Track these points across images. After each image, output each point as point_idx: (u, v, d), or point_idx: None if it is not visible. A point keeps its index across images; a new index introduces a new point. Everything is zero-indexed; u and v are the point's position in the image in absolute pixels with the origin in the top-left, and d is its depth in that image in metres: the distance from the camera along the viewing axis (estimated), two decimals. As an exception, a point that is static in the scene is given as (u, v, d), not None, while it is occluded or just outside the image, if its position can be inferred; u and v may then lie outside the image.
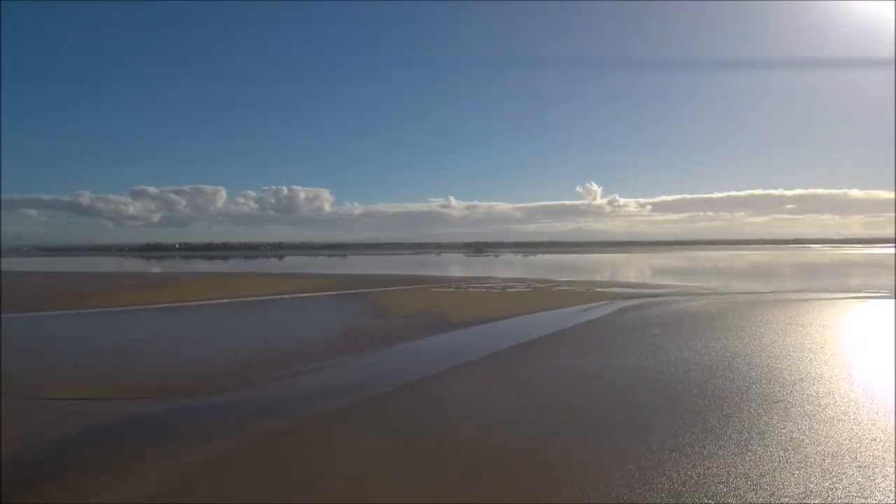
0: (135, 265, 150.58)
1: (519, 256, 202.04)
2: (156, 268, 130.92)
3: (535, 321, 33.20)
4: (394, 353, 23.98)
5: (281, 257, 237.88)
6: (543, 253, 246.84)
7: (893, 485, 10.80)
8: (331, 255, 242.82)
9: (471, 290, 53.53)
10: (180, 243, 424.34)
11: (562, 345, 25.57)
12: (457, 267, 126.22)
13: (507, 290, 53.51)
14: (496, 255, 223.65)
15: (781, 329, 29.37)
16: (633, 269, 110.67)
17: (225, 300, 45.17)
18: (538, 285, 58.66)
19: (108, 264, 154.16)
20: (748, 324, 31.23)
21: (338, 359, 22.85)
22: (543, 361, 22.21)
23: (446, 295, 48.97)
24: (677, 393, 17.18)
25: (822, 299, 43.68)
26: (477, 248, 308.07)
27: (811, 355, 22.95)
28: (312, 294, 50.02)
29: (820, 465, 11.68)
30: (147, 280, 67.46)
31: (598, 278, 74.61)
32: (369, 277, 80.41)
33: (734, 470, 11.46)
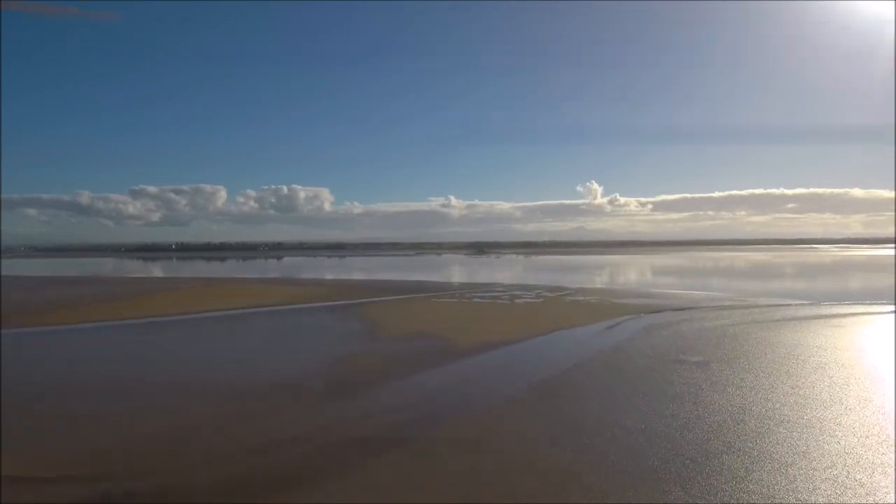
0: (122, 267, 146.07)
1: (522, 258, 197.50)
2: (142, 271, 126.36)
3: (552, 346, 28.58)
4: (384, 400, 19.35)
5: (279, 258, 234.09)
6: (546, 254, 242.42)
7: None
8: (329, 256, 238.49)
9: (475, 300, 48.93)
10: (177, 243, 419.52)
11: (592, 384, 20.90)
12: (459, 270, 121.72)
13: (515, 300, 48.92)
14: (498, 256, 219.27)
15: (848, 360, 24.78)
16: (642, 272, 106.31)
17: (200, 315, 40.50)
18: (548, 294, 54.07)
19: (94, 267, 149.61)
20: (804, 350, 26.64)
21: (316, 407, 18.27)
22: (573, 416, 17.58)
23: (448, 308, 44.38)
24: (771, 479, 12.53)
25: (871, 314, 39.09)
26: (479, 249, 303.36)
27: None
28: (301, 306, 45.39)
29: None
30: (121, 288, 62.81)
31: (609, 284, 70.15)
32: (365, 283, 75.86)
33: None
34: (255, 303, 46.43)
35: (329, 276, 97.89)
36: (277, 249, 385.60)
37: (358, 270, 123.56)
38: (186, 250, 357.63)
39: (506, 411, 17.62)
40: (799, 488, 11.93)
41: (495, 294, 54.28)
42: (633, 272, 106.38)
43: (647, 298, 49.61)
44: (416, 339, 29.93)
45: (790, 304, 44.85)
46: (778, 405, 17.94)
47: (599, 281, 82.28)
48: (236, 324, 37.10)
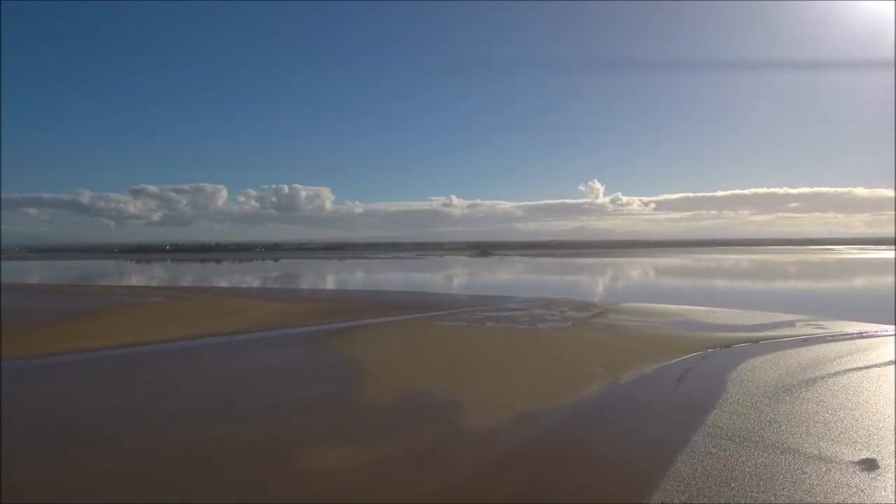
0: (101, 272, 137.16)
1: (528, 259, 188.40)
2: (116, 278, 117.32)
3: (613, 421, 19.37)
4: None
5: (276, 259, 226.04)
6: (552, 255, 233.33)
7: None
8: (328, 258, 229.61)
9: (488, 324, 39.88)
10: (171, 244, 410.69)
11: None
12: (463, 275, 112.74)
13: (537, 323, 39.87)
14: (502, 257, 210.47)
15: None
16: (665, 279, 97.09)
17: (133, 348, 31.34)
18: (575, 314, 44.94)
19: (72, 271, 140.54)
20: None
21: None
22: None
23: (455, 338, 35.31)
24: None
25: None
26: (482, 250, 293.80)
27: None
28: (268, 334, 36.31)
29: None
30: (63, 304, 53.79)
31: (640, 298, 60.81)
32: (357, 296, 66.70)
33: None
34: (211, 329, 37.30)
35: (318, 286, 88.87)
36: (275, 250, 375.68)
37: (354, 276, 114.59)
38: (181, 251, 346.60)
39: None
40: None
41: (511, 313, 45.19)
42: (654, 279, 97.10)
43: (700, 325, 40.49)
44: (412, 407, 20.73)
45: (883, 334, 35.67)
46: None
47: (625, 291, 73.11)
48: (180, 364, 27.84)
